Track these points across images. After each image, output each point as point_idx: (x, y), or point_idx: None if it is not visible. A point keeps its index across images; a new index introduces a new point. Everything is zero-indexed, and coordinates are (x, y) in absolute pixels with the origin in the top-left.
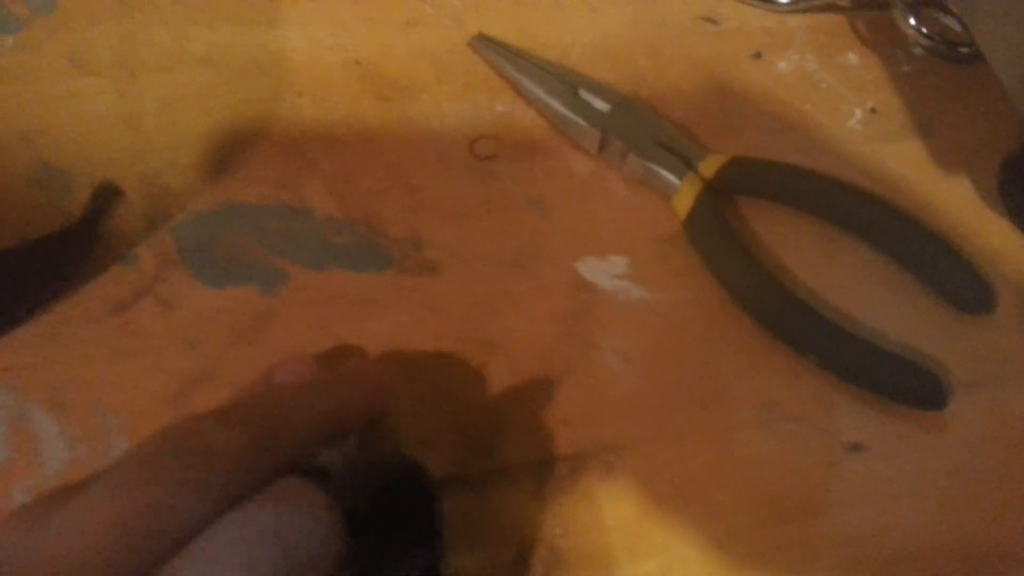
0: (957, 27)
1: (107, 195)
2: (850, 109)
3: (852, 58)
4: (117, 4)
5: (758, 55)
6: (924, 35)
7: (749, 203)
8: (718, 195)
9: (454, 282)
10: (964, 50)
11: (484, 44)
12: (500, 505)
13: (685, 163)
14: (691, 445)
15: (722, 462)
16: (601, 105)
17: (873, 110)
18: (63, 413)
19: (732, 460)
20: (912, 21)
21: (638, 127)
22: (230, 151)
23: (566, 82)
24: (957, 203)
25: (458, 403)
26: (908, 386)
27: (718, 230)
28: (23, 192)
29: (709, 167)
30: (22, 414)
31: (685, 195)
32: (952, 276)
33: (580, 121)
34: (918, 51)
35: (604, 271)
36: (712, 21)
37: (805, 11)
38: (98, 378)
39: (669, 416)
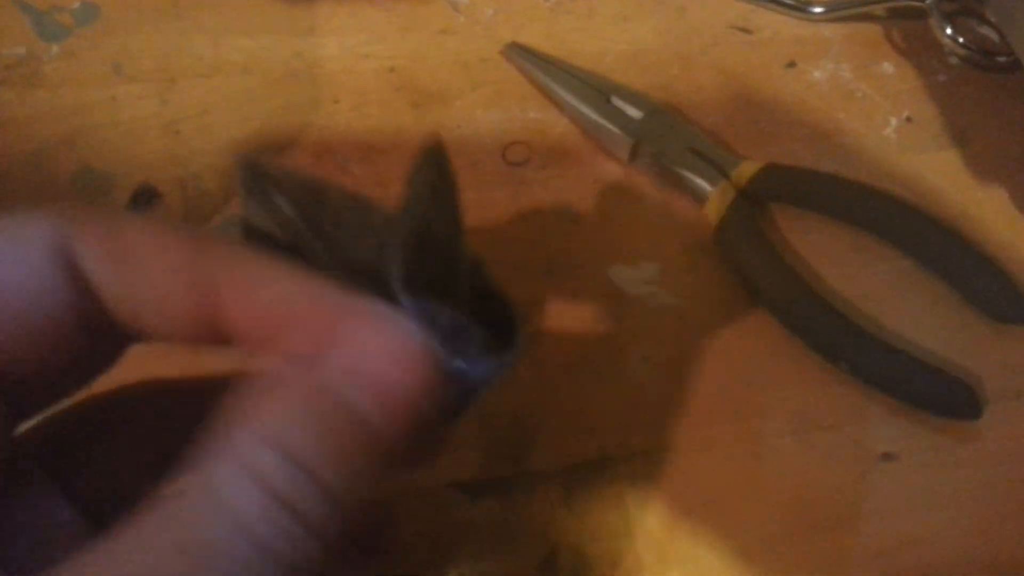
0: (994, 36)
1: (146, 197)
2: (885, 118)
3: (888, 67)
4: (158, 14)
5: (792, 64)
6: (960, 44)
7: (782, 210)
8: (751, 202)
9: None
10: (1001, 59)
11: (517, 52)
12: (527, 510)
13: (718, 170)
14: (721, 454)
15: (752, 471)
16: (634, 112)
17: (909, 119)
18: None
19: (763, 469)
20: (948, 31)
21: (671, 134)
22: (266, 156)
23: (598, 90)
24: (992, 213)
25: (486, 408)
26: (942, 396)
27: (750, 237)
28: (65, 193)
29: (742, 174)
30: None
31: (717, 202)
32: (987, 286)
33: (613, 128)
34: (954, 61)
35: (635, 278)
36: (745, 30)
37: (840, 20)
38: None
39: (699, 424)
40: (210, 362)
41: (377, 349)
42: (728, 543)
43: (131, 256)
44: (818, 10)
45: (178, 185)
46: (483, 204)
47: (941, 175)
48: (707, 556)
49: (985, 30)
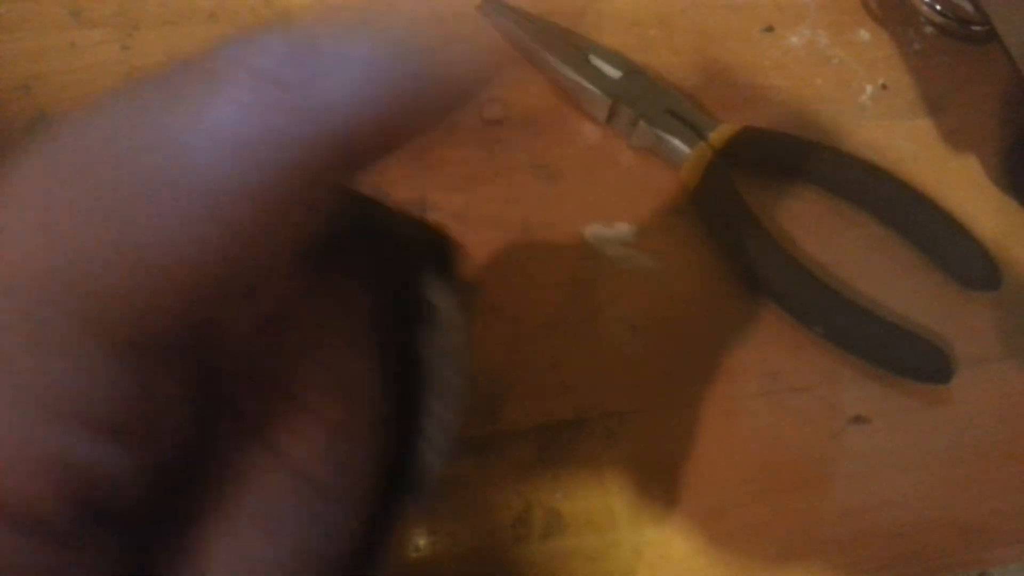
0: (969, 7)
1: None
2: (861, 85)
3: (864, 35)
4: None
5: (770, 29)
6: (937, 12)
7: (758, 174)
8: (727, 165)
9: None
10: (977, 29)
11: (494, 7)
12: (501, 467)
13: (695, 132)
14: (694, 414)
15: (725, 432)
16: (612, 72)
17: (884, 87)
18: None
19: (735, 430)
20: None
21: (649, 95)
22: None
23: (577, 48)
24: (965, 182)
25: None
26: (913, 360)
27: (726, 200)
28: (19, 140)
29: (719, 137)
30: None
31: (694, 164)
32: (958, 252)
33: (591, 87)
34: (930, 29)
35: (611, 239)
36: None
37: None
38: None
39: (672, 385)
40: None
41: None
42: (700, 502)
43: None
44: None
45: None
46: (457, 161)
47: (915, 142)
48: (680, 514)
49: None
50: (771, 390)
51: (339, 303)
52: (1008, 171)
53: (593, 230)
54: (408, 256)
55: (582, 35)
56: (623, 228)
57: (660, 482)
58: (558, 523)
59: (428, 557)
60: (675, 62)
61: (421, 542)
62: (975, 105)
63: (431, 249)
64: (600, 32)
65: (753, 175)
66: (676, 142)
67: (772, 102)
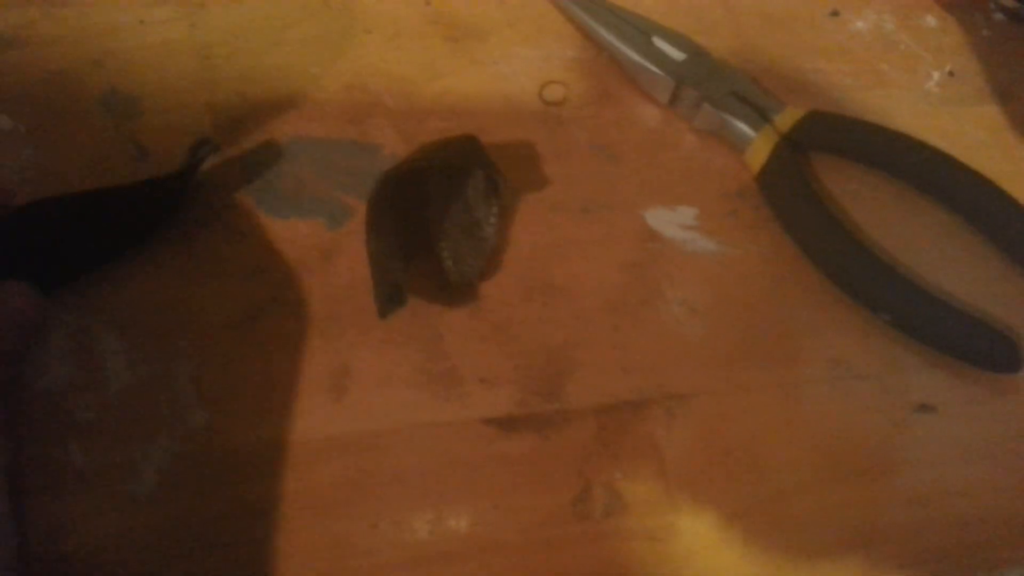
0: None
1: (206, 149)
2: (927, 71)
3: (931, 21)
4: None
5: (835, 13)
6: None
7: (823, 158)
8: (794, 149)
9: (519, 225)
10: None
11: None
12: (562, 446)
13: (761, 116)
14: (757, 398)
15: (788, 417)
16: (675, 54)
17: (951, 73)
18: (126, 334)
19: (798, 415)
20: None
21: (713, 78)
22: (299, 85)
23: (640, 30)
24: None
25: (520, 344)
26: (982, 349)
27: (794, 184)
28: (92, 115)
29: (785, 120)
30: (85, 332)
31: (760, 148)
32: None
33: (654, 69)
34: (999, 16)
35: (672, 221)
36: None
37: None
38: (163, 302)
39: (735, 368)
40: None
41: None
42: (762, 486)
43: None
44: None
45: (208, 111)
46: (518, 143)
47: (983, 130)
48: (741, 498)
49: None
50: (835, 376)
51: None
52: None
53: (654, 212)
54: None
55: (644, 17)
56: (685, 211)
57: (721, 465)
58: (619, 503)
59: (489, 531)
60: (738, 45)
61: (482, 515)
62: None
63: (481, 150)
64: (662, 15)
65: (817, 159)
66: (741, 125)
67: (837, 86)
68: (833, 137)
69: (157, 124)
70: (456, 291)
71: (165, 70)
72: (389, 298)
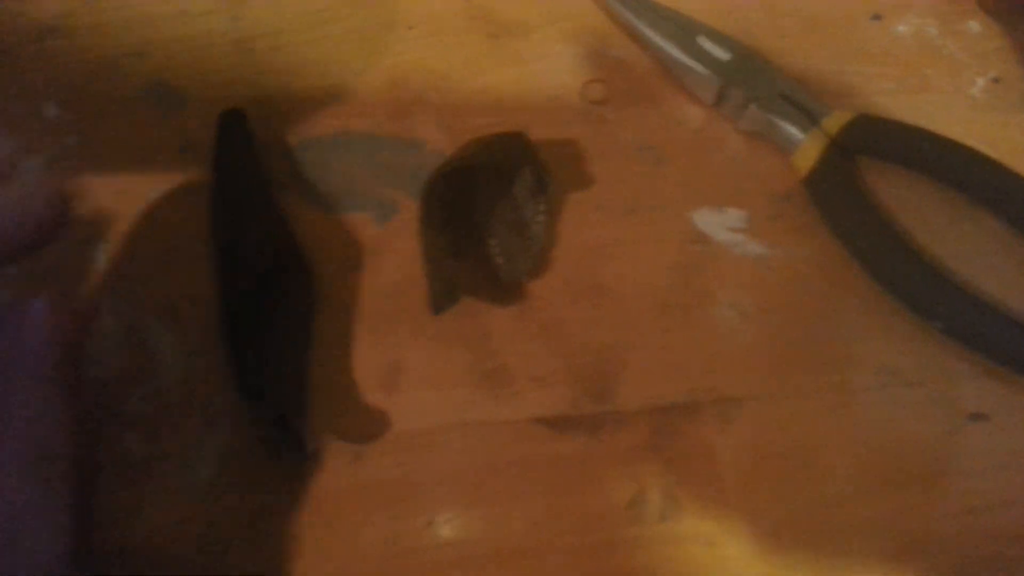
0: None
1: (234, 121)
2: (971, 77)
3: (974, 26)
4: None
5: (877, 17)
6: None
7: (869, 163)
8: (841, 153)
9: (565, 224)
10: None
11: None
12: (614, 448)
13: (808, 118)
14: (808, 403)
15: (839, 423)
16: (720, 54)
17: (996, 80)
18: (178, 327)
19: (849, 422)
20: None
21: (759, 79)
22: (341, 80)
23: (684, 29)
24: None
25: (570, 344)
26: None
27: (843, 188)
28: (136, 106)
29: (833, 123)
30: (139, 324)
31: (808, 150)
32: None
33: (699, 68)
34: None
35: (720, 223)
36: None
37: None
38: (211, 295)
39: (786, 373)
40: None
41: None
42: (815, 492)
43: None
44: None
45: (252, 105)
46: (561, 141)
47: None
48: (795, 503)
49: None
50: (886, 383)
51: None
52: None
53: (701, 214)
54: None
55: (687, 16)
56: (733, 213)
57: (775, 470)
58: (674, 506)
59: (543, 531)
60: (779, 46)
61: (535, 517)
62: None
63: (529, 148)
64: (703, 15)
65: (866, 163)
66: (789, 127)
67: (880, 91)
68: (881, 141)
69: (201, 116)
70: (506, 289)
71: (207, 62)
72: (444, 294)
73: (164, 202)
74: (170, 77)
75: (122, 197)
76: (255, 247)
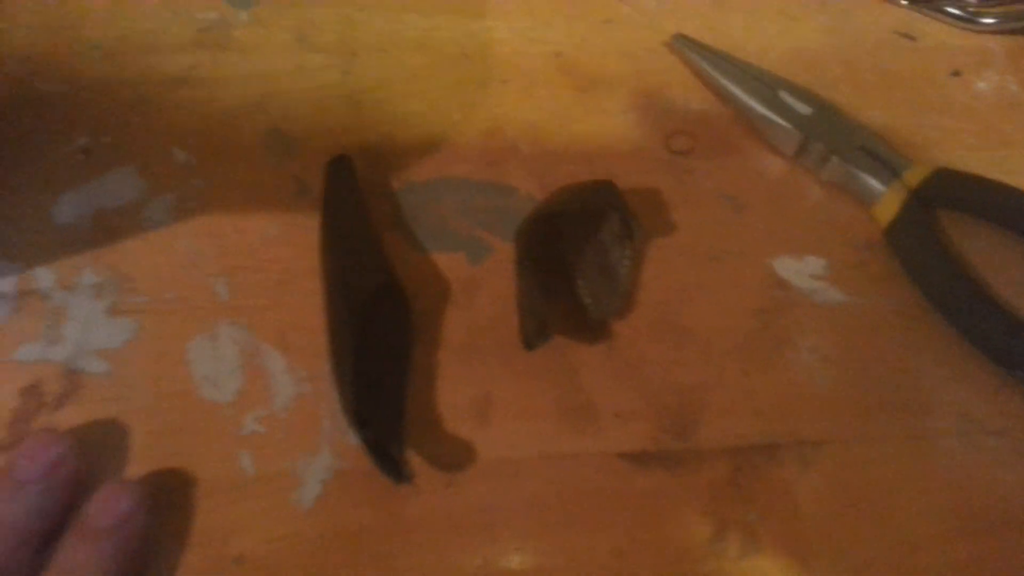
0: None
1: (343, 166)
2: None
3: None
4: None
5: (957, 73)
6: None
7: (949, 215)
8: (923, 205)
9: (649, 267)
10: None
11: (683, 43)
12: (694, 484)
13: (889, 171)
14: (887, 448)
15: (918, 468)
16: (802, 108)
17: None
18: (290, 353)
19: (928, 467)
20: None
21: (840, 132)
22: (441, 130)
23: (765, 83)
24: None
25: (652, 383)
26: None
27: (924, 239)
28: (256, 152)
29: (915, 176)
30: (255, 351)
31: (889, 202)
32: None
33: (781, 121)
34: None
35: (800, 271)
36: (909, 36)
37: (1007, 33)
38: (320, 324)
39: (865, 417)
40: None
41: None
42: (895, 535)
43: None
44: (988, 21)
45: (359, 152)
46: (645, 189)
47: None
48: (875, 546)
49: None
50: (965, 430)
51: None
52: None
53: (782, 261)
54: (609, 199)
55: (768, 71)
56: (813, 261)
57: (853, 512)
58: (753, 544)
59: (627, 563)
60: (859, 102)
61: (618, 547)
62: None
63: (617, 195)
64: (783, 70)
65: (947, 216)
66: (870, 179)
67: (960, 145)
68: (961, 194)
69: (314, 162)
70: (593, 328)
71: (320, 112)
72: (535, 332)
73: (280, 239)
74: (286, 126)
75: (242, 235)
76: (360, 283)
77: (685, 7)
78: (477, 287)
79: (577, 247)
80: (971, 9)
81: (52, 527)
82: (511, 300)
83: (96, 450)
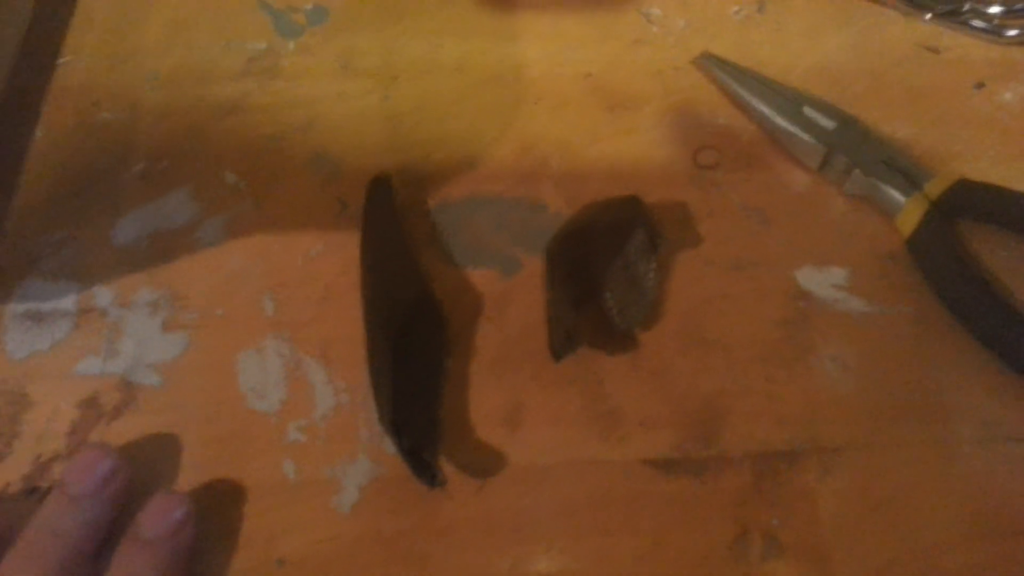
0: None
1: (382, 186)
2: None
3: None
4: (380, 16)
5: (981, 85)
6: None
7: (970, 226)
8: (944, 216)
9: (675, 279)
10: None
11: (709, 61)
12: (718, 490)
13: (911, 183)
14: (909, 454)
15: (940, 473)
16: (826, 123)
17: None
18: (331, 365)
19: (950, 473)
20: None
21: (863, 145)
22: (475, 149)
23: (790, 99)
24: None
25: (678, 391)
26: None
27: (945, 250)
28: (299, 173)
29: (936, 187)
30: (298, 363)
31: (911, 213)
32: None
33: (806, 136)
34: None
35: (822, 281)
36: (933, 50)
37: None
38: (359, 337)
39: (886, 424)
40: None
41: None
42: (915, 540)
43: None
44: (1013, 33)
45: (398, 172)
46: (672, 203)
47: None
48: (895, 550)
49: None
50: (987, 438)
51: None
52: None
53: (805, 272)
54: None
55: (793, 87)
56: (835, 271)
57: (873, 517)
58: (776, 548)
59: (651, 566)
60: (885, 116)
61: (642, 550)
62: None
63: (643, 210)
64: (810, 85)
65: (969, 227)
66: (892, 191)
67: (984, 157)
68: (983, 205)
69: (356, 182)
70: (619, 339)
71: (361, 135)
72: (564, 342)
73: (323, 256)
74: (330, 148)
75: (288, 253)
76: (397, 297)
77: (712, 27)
78: (509, 301)
79: (604, 260)
80: (995, 21)
81: (105, 537)
82: (541, 312)
83: (149, 457)
